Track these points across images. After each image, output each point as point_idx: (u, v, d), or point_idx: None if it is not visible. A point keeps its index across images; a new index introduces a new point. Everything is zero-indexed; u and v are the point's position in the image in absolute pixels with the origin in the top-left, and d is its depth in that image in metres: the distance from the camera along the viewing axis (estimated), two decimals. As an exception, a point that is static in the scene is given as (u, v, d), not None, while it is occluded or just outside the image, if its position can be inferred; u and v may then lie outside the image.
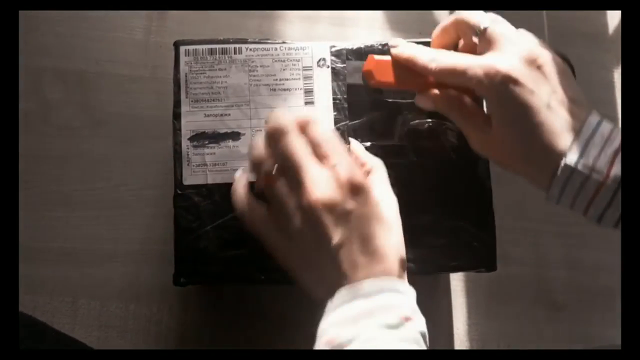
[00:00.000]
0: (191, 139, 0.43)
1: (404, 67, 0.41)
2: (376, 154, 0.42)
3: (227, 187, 0.42)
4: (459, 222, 0.44)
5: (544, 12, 0.63)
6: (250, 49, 0.44)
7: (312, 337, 0.32)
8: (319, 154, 0.35)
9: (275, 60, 0.44)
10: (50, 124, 0.55)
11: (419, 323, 0.33)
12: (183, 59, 0.44)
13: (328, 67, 0.45)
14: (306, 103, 0.44)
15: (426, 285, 0.55)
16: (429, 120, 0.45)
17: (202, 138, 0.43)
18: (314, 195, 0.33)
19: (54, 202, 0.53)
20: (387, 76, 0.41)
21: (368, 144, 0.44)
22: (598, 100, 0.62)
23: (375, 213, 0.35)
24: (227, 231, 0.43)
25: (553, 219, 0.58)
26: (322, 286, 0.34)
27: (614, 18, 0.65)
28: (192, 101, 0.44)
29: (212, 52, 0.44)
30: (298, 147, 0.34)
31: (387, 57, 0.41)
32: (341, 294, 0.32)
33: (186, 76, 0.44)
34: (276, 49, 0.45)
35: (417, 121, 0.45)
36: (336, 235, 0.33)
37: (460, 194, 0.45)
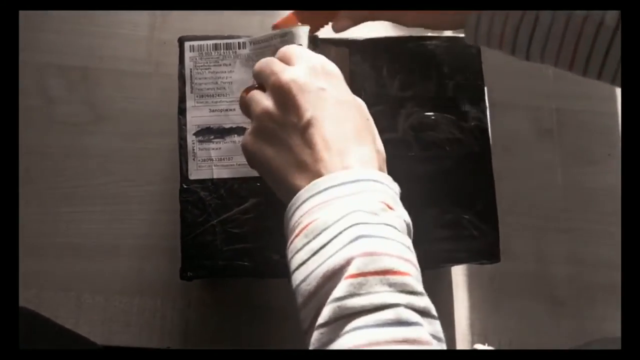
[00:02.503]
0: (196, 134, 0.44)
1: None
2: None
3: (233, 181, 0.43)
4: (462, 215, 0.45)
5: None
6: (254, 43, 0.45)
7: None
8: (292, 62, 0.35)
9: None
10: (54, 120, 0.55)
11: (402, 213, 0.31)
12: (188, 54, 0.45)
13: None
14: None
15: (428, 280, 0.55)
16: (432, 113, 0.45)
17: (208, 133, 0.44)
18: (285, 75, 0.34)
19: (58, 198, 0.53)
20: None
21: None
22: (598, 96, 0.62)
23: (349, 98, 0.35)
24: (233, 225, 0.43)
25: (554, 214, 0.59)
26: (298, 179, 0.32)
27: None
28: (197, 96, 0.44)
29: (216, 47, 0.45)
30: (271, 60, 0.36)
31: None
32: (314, 184, 0.31)
33: (191, 72, 0.44)
34: (277, 41, 0.44)
35: (420, 115, 0.45)
36: (308, 112, 0.32)
37: (463, 186, 0.45)
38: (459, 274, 0.56)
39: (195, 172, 0.43)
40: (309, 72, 0.34)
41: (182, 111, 0.44)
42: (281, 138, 0.33)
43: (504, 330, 0.56)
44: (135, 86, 0.56)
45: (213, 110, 0.44)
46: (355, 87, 0.45)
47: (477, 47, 0.47)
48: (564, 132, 0.60)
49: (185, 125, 0.44)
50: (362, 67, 0.46)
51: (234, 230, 0.43)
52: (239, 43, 0.45)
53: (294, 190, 0.32)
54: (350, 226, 0.28)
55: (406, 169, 0.44)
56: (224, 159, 0.43)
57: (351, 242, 0.28)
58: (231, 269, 0.43)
